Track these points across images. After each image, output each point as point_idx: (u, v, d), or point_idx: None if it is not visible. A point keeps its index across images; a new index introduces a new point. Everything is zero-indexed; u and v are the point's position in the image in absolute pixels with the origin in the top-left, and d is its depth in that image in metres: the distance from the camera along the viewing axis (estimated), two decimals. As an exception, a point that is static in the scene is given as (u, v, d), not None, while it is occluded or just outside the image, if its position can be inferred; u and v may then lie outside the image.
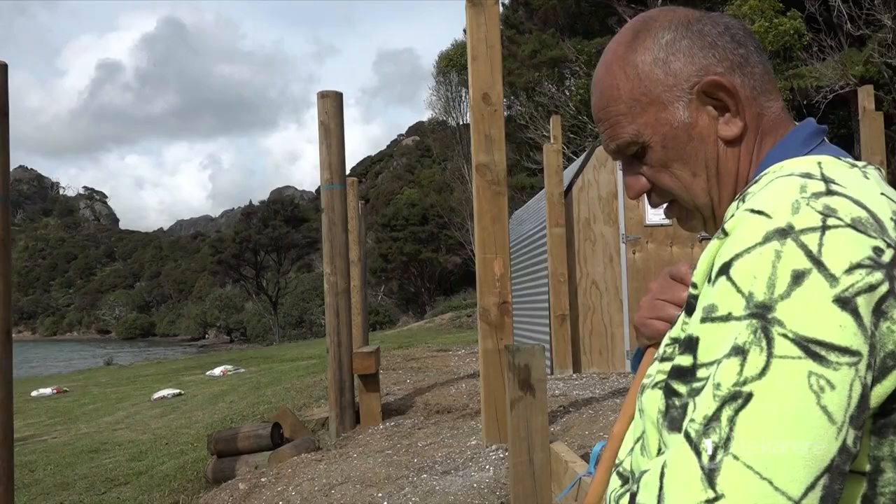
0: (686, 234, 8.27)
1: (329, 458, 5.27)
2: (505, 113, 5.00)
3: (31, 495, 6.18)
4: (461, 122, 34.99)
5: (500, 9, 5.11)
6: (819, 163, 0.86)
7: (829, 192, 0.79)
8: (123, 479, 6.41)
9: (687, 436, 0.75)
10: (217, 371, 15.23)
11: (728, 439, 0.72)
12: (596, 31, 23.02)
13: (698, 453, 0.73)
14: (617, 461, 0.95)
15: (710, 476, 0.71)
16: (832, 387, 0.71)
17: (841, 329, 0.72)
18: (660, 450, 0.84)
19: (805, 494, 0.70)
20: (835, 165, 0.86)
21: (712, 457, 0.72)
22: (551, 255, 8.12)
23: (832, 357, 0.72)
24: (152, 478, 6.21)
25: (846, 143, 17.65)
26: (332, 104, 6.18)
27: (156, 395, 12.03)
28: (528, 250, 10.03)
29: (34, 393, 15.21)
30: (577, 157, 15.44)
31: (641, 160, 1.00)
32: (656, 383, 0.88)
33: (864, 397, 0.73)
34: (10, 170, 4.19)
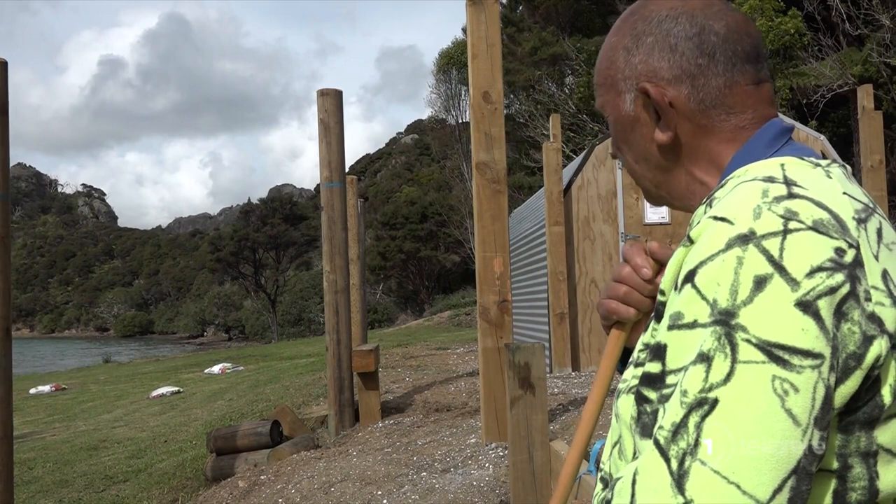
0: (685, 232, 8.26)
1: (328, 456, 5.27)
2: (504, 111, 5.00)
3: (31, 492, 6.19)
4: (461, 121, 34.99)
5: (500, 7, 5.10)
6: (782, 164, 0.86)
7: (791, 196, 0.80)
8: (122, 476, 6.41)
9: (656, 443, 0.76)
10: (216, 369, 15.23)
11: (696, 445, 0.72)
12: (596, 29, 23.02)
13: (667, 460, 0.74)
14: (601, 465, 0.96)
15: (679, 482, 0.72)
16: (796, 390, 0.72)
17: (803, 332, 0.73)
18: (635, 454, 0.85)
19: (773, 497, 0.71)
20: (798, 166, 0.86)
21: (681, 463, 0.73)
22: (550, 253, 8.12)
23: (795, 360, 0.72)
24: (151, 475, 6.21)
25: (845, 142, 17.66)
26: (332, 102, 6.18)
27: (154, 393, 12.02)
28: (527, 249, 10.03)
29: (33, 390, 15.21)
30: (577, 155, 15.43)
31: None
32: (630, 388, 0.89)
33: (828, 399, 0.73)
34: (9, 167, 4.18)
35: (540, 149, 15.75)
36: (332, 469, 4.85)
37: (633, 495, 0.76)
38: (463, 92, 34.44)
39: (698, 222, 0.84)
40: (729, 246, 0.77)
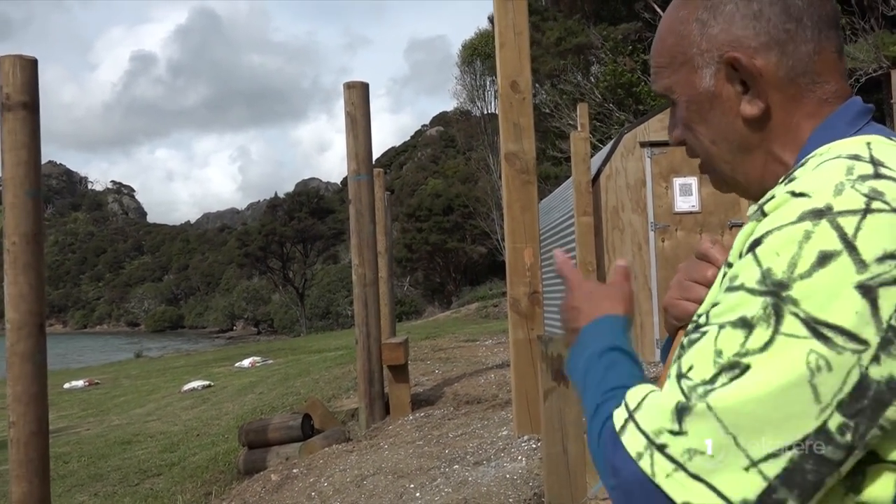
0: (716, 221, 8.17)
1: (360, 449, 5.27)
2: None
3: (66, 486, 6.26)
4: (486, 112, 34.86)
5: (527, -5, 5.05)
6: (868, 143, 0.82)
7: (878, 176, 0.76)
8: (156, 470, 6.46)
9: (679, 381, 0.77)
10: (246, 363, 15.33)
11: (711, 391, 0.73)
12: (622, 17, 22.79)
13: (681, 394, 0.75)
14: None
15: (680, 413, 0.74)
16: (829, 368, 0.71)
17: (855, 315, 0.71)
18: None
19: (765, 459, 0.71)
20: (885, 146, 0.82)
21: (688, 398, 0.74)
22: (579, 244, 8.05)
23: (838, 340, 0.71)
24: (185, 469, 6.26)
25: (878, 127, 17.35)
26: (359, 95, 6.16)
27: (185, 387, 12.13)
28: (555, 239, 9.97)
29: (66, 385, 15.41)
30: (604, 144, 15.32)
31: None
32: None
33: (861, 387, 0.71)
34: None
35: (566, 139, 15.66)
36: (364, 462, 4.85)
37: (640, 402, 0.79)
38: (488, 83, 34.30)
39: (773, 197, 0.81)
40: (801, 219, 0.75)
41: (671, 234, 8.19)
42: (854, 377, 0.70)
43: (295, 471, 5.14)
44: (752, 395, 0.71)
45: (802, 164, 0.85)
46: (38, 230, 3.97)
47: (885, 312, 0.71)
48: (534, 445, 4.40)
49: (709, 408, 0.72)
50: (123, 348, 48.56)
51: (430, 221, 45.46)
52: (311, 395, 7.77)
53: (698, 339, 0.78)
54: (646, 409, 0.78)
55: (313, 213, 62.16)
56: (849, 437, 0.71)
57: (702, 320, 0.84)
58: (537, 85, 24.33)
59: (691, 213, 8.21)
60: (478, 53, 33.75)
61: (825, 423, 0.70)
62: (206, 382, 12.41)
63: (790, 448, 0.71)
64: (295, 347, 19.38)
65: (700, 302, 0.97)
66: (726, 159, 0.96)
